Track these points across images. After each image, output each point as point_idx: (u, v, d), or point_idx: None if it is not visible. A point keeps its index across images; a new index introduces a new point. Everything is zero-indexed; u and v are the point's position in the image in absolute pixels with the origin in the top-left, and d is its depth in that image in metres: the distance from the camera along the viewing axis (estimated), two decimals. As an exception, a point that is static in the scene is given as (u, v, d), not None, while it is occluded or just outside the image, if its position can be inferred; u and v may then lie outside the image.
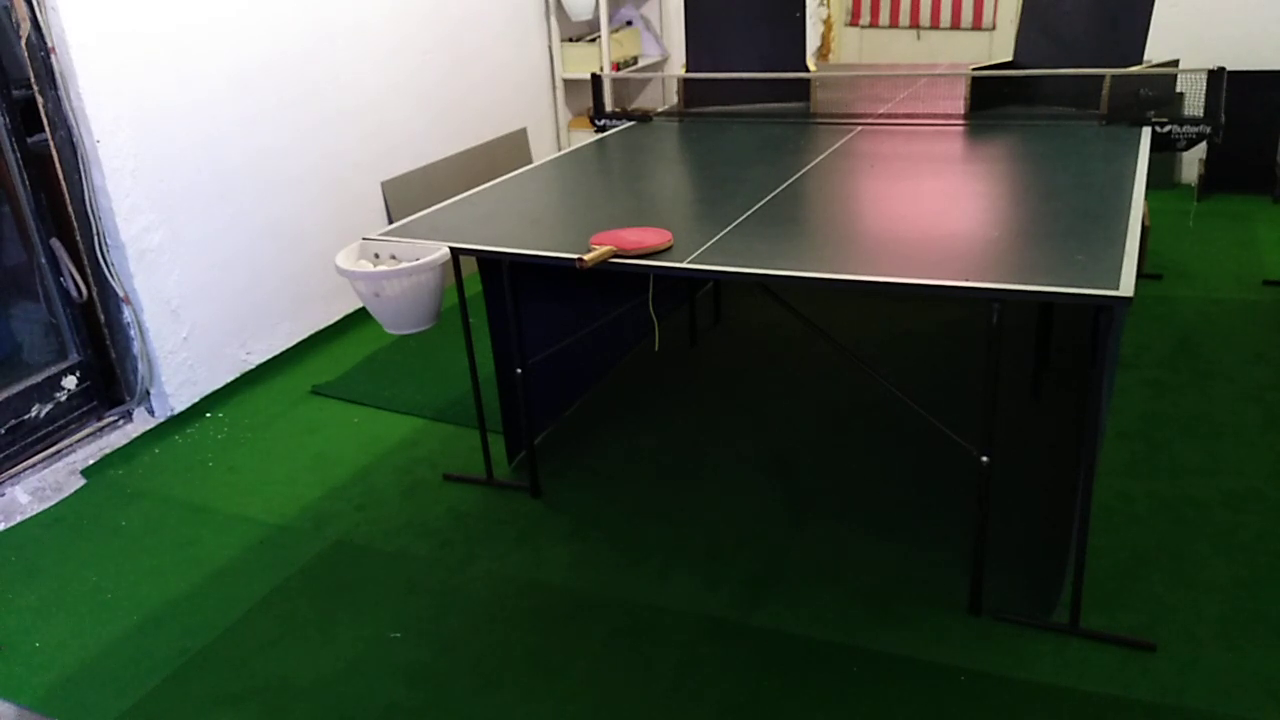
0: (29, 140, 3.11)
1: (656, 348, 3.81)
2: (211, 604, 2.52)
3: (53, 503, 3.03)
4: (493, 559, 2.63)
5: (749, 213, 2.57)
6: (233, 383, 3.71)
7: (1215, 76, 3.17)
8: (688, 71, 3.93)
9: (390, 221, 4.34)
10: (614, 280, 3.42)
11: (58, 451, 3.25)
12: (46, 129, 3.08)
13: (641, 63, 5.91)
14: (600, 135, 3.71)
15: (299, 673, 2.27)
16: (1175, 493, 2.69)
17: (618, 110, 3.92)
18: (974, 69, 3.54)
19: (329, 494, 2.99)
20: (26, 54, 2.99)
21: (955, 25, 5.52)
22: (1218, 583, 2.34)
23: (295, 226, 3.95)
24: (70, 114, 3.08)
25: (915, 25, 5.61)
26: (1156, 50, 4.12)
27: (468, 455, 3.14)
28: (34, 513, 2.98)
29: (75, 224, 3.20)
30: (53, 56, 3.02)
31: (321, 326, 4.14)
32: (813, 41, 5.62)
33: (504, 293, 2.72)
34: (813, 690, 2.12)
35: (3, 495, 3.05)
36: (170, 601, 2.54)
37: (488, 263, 2.81)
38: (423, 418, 3.41)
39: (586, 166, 3.22)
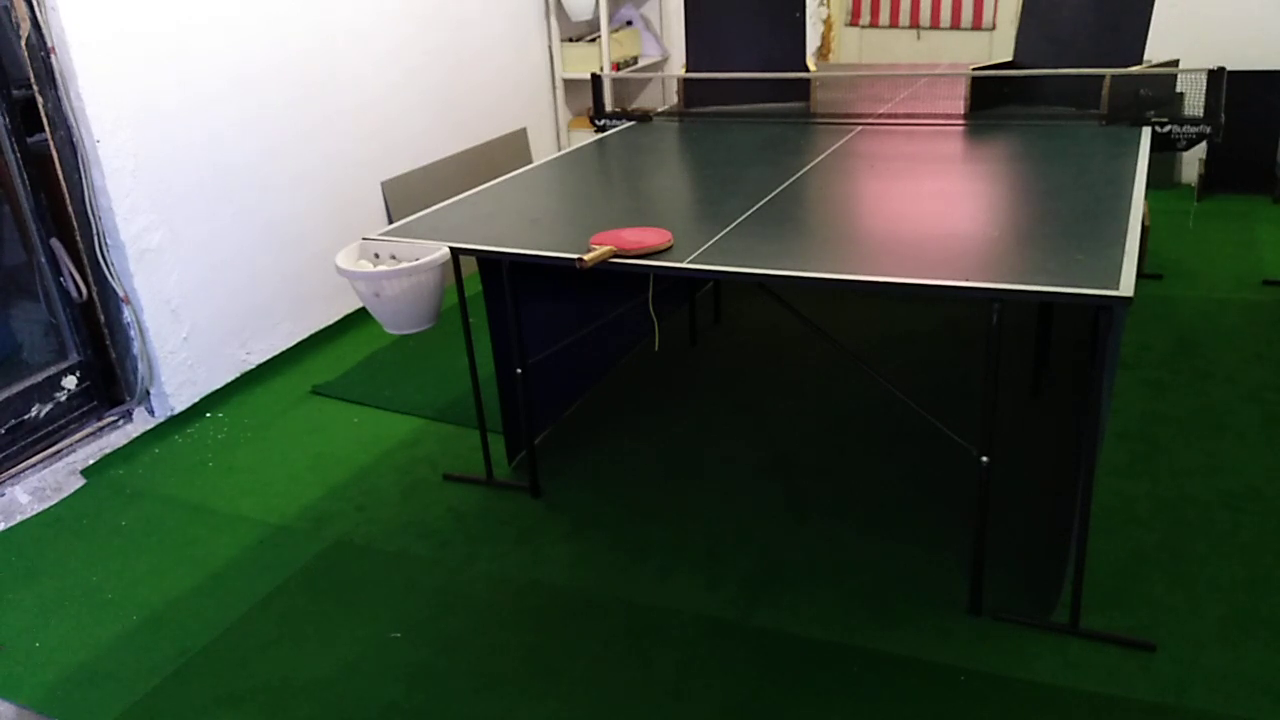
0: (29, 140, 3.11)
1: (656, 348, 3.81)
2: (211, 604, 2.52)
3: (53, 503, 3.03)
4: (492, 559, 2.63)
5: (749, 213, 2.57)
6: (233, 383, 3.71)
7: (1215, 76, 3.17)
8: (688, 71, 3.93)
9: (390, 221, 4.34)
10: (614, 280, 3.42)
11: (58, 451, 3.25)
12: (46, 129, 3.08)
13: (641, 63, 5.91)
14: (600, 135, 3.71)
15: (299, 673, 2.27)
16: (1175, 493, 2.69)
17: (618, 110, 3.92)
18: (974, 69, 3.54)
19: (329, 494, 2.99)
20: (26, 54, 2.99)
21: (955, 25, 5.52)
22: (1218, 583, 2.34)
23: (295, 226, 3.95)
24: (70, 114, 3.08)
25: (915, 25, 5.61)
26: (1156, 50, 4.12)
27: (468, 455, 3.14)
28: (34, 513, 2.98)
29: (75, 224, 3.20)
30: (53, 56, 3.02)
31: (321, 326, 4.14)
32: (813, 41, 5.62)
33: (504, 293, 2.72)
34: (813, 690, 2.12)
35: (3, 495, 3.05)
36: (170, 601, 2.54)
37: (488, 263, 2.81)
38: (423, 418, 3.41)
39: (586, 166, 3.22)
